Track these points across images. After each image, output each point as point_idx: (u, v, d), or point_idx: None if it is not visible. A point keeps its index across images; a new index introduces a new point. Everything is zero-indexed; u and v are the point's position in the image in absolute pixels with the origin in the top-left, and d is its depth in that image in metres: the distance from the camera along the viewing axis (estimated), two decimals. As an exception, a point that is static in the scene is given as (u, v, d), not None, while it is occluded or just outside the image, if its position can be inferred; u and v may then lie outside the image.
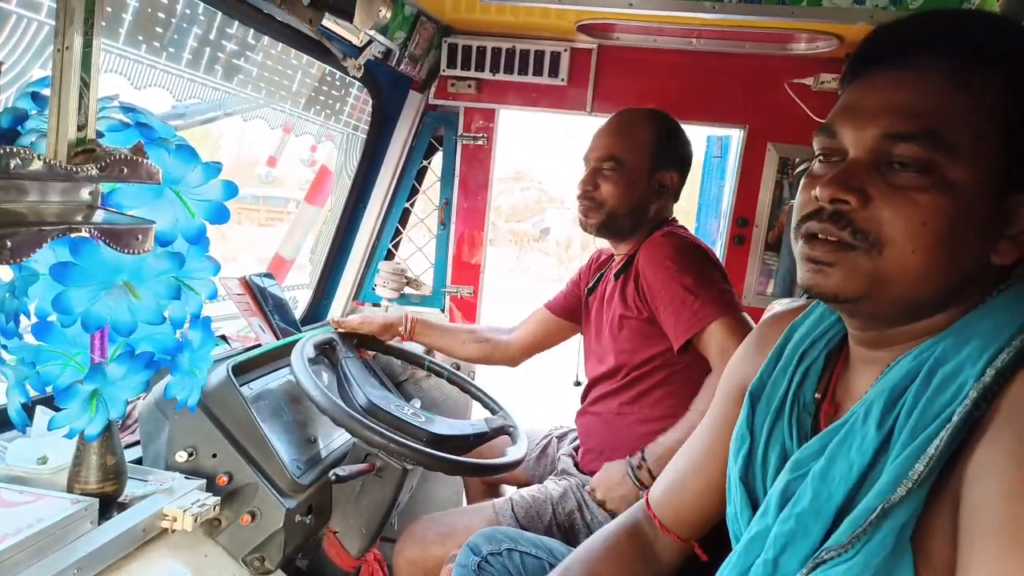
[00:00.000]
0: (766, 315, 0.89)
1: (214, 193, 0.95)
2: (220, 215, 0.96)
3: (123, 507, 1.02)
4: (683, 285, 1.33)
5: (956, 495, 0.54)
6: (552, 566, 0.93)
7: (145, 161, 0.82)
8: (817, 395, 0.73)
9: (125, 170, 0.80)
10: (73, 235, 0.78)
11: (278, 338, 1.61)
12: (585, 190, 1.47)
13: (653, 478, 1.22)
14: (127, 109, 0.93)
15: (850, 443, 0.62)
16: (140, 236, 0.82)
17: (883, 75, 0.61)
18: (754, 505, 0.74)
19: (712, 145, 2.45)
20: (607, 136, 1.49)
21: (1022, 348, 0.55)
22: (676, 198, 1.55)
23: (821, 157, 0.65)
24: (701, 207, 2.57)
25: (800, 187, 0.67)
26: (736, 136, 1.99)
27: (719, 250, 2.05)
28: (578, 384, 1.69)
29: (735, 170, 1.97)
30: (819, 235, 0.61)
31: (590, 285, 1.64)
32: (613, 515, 1.39)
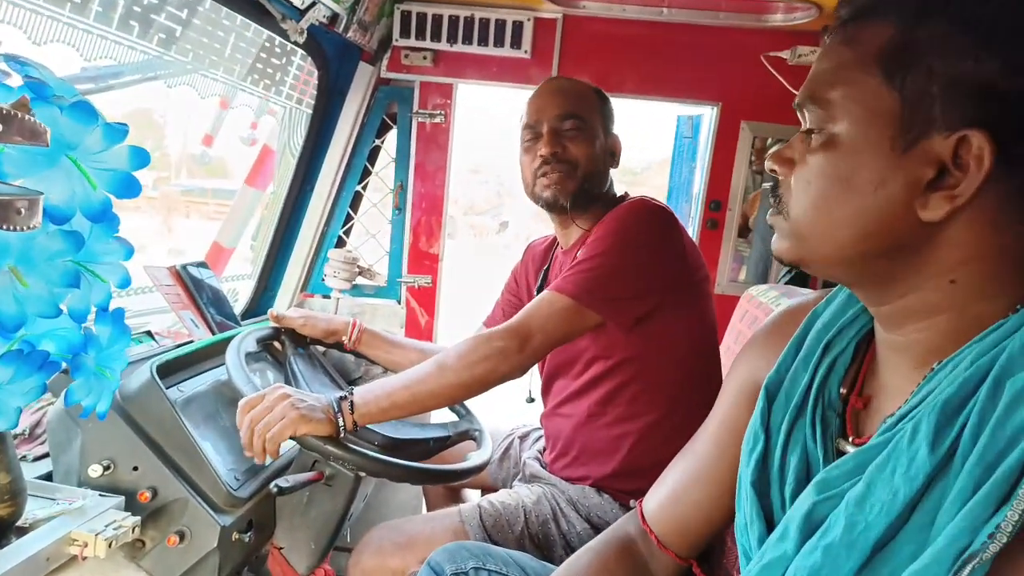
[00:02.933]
0: (779, 310, 0.79)
1: (119, 161, 0.79)
2: (128, 188, 0.81)
3: (23, 531, 0.88)
4: (597, 250, 1.22)
5: None
6: (526, 587, 0.81)
7: (28, 118, 0.67)
8: (843, 390, 0.64)
9: (1, 127, 0.64)
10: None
11: (214, 333, 1.45)
12: (553, 151, 1.30)
13: (353, 414, 1.10)
14: (11, 59, 0.77)
15: (894, 466, 0.51)
16: (23, 209, 0.67)
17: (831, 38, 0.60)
18: (767, 516, 0.64)
19: (683, 125, 2.36)
20: (556, 96, 1.34)
21: None
22: (616, 166, 1.43)
23: None
24: (671, 190, 2.49)
25: None
26: (708, 115, 1.90)
27: (692, 234, 1.97)
28: (531, 400, 1.57)
29: (707, 151, 1.88)
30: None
31: (537, 284, 1.51)
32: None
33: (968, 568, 0.44)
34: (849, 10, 0.57)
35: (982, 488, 0.45)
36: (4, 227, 0.66)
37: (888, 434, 0.53)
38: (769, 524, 0.63)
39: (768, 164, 0.63)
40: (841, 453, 0.61)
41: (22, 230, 0.68)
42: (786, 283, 1.71)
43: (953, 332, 0.54)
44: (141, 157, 0.81)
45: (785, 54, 1.69)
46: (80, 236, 0.77)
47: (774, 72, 1.67)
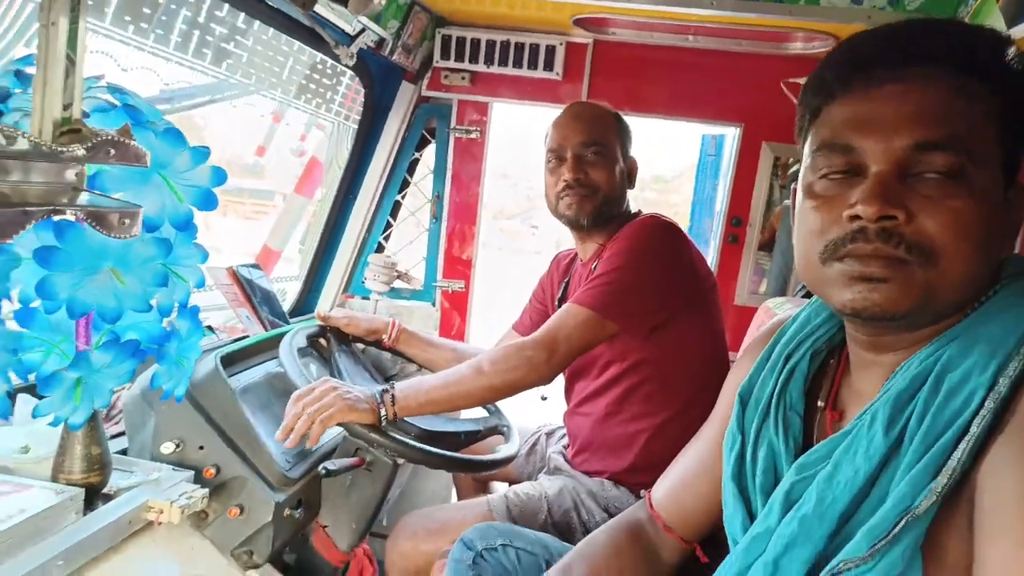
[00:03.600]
0: (766, 325, 0.88)
1: (202, 179, 0.93)
2: (208, 201, 0.94)
3: (108, 498, 1.00)
4: (614, 265, 1.31)
5: (971, 496, 0.54)
6: (548, 563, 0.92)
7: (132, 143, 0.80)
8: (820, 403, 0.73)
9: (112, 151, 0.77)
10: (57, 218, 0.76)
11: (266, 329, 1.58)
12: (576, 178, 1.41)
13: (394, 406, 1.21)
14: (114, 90, 0.90)
15: (856, 448, 0.61)
16: (127, 220, 0.80)
17: (895, 85, 0.60)
18: (746, 504, 0.74)
19: (707, 144, 2.44)
20: (579, 123, 1.44)
21: None
22: (633, 186, 1.53)
23: (828, 175, 0.64)
24: (695, 206, 2.57)
25: (810, 207, 0.65)
26: (731, 135, 1.99)
27: (712, 250, 2.05)
28: (544, 399, 1.66)
29: (730, 169, 1.96)
30: (871, 255, 0.59)
31: (559, 294, 1.61)
32: (527, 489, 1.38)
33: (903, 521, 0.54)
34: (946, 60, 0.59)
35: (922, 460, 0.55)
36: (112, 235, 0.78)
37: (853, 423, 0.63)
38: (749, 511, 0.73)
39: (877, 210, 0.58)
40: (805, 447, 0.70)
41: (124, 238, 0.80)
42: (802, 296, 1.78)
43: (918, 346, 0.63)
44: (220, 176, 0.94)
45: (803, 80, 1.76)
46: (169, 242, 0.90)
47: (793, 98, 1.76)
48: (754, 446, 0.74)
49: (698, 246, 1.47)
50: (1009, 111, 0.59)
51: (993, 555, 0.50)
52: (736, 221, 1.97)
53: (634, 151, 1.52)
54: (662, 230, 1.36)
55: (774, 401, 0.75)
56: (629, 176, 1.50)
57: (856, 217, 0.59)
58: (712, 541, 0.88)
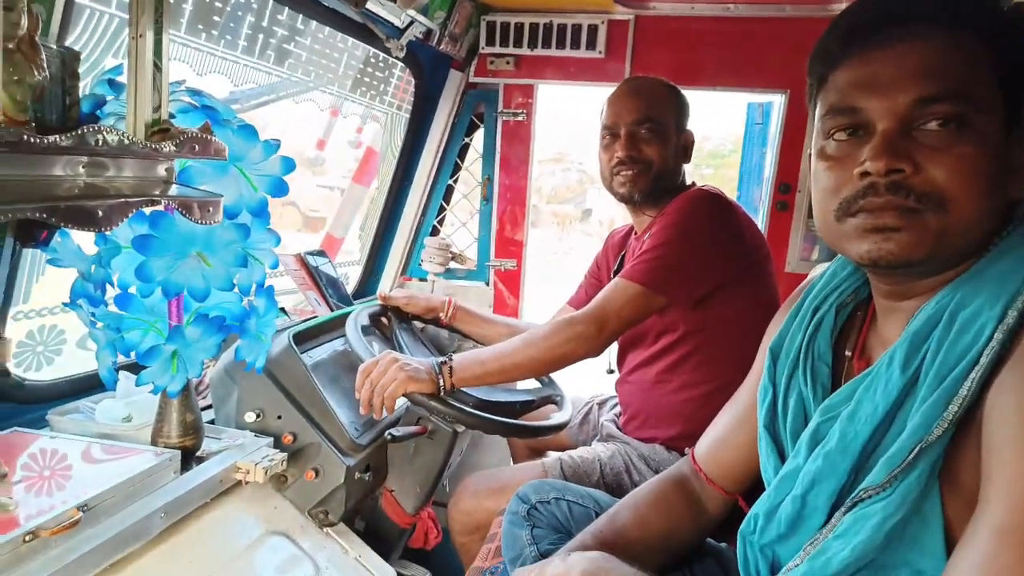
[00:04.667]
0: (802, 283, 0.92)
1: (274, 168, 1.02)
2: (280, 189, 1.03)
3: (201, 460, 1.11)
4: (660, 240, 1.34)
5: (979, 423, 0.57)
6: (598, 515, 0.98)
7: (213, 139, 0.89)
8: (848, 352, 0.77)
9: (197, 147, 0.87)
10: (150, 209, 0.86)
11: (332, 310, 1.69)
12: (629, 155, 1.44)
13: (451, 377, 1.26)
14: (194, 92, 1.00)
15: (875, 387, 0.65)
16: (211, 208, 0.89)
17: (890, 46, 0.63)
18: (779, 451, 0.78)
19: (753, 112, 2.42)
20: (633, 99, 1.46)
21: None
22: (688, 160, 1.54)
23: (837, 135, 0.67)
24: (743, 176, 2.55)
25: (823, 168, 0.68)
26: (777, 102, 1.97)
27: (761, 217, 2.05)
28: (611, 372, 1.70)
29: (777, 136, 1.95)
30: (883, 207, 0.63)
31: (615, 267, 1.65)
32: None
33: (917, 448, 0.58)
34: (939, 16, 0.63)
35: (935, 393, 0.58)
36: (198, 222, 0.88)
37: (874, 365, 0.67)
38: (781, 456, 0.78)
39: (885, 164, 0.61)
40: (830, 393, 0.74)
41: (209, 224, 0.90)
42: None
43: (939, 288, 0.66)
44: (289, 165, 1.03)
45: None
46: (247, 228, 1.00)
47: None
48: (785, 395, 0.79)
49: (749, 214, 1.49)
50: (1005, 58, 0.62)
51: (996, 466, 0.54)
52: (784, 188, 1.96)
53: (689, 126, 1.53)
54: (708, 201, 1.38)
55: (803, 352, 0.79)
56: (684, 150, 1.51)
57: (866, 174, 0.63)
58: (754, 492, 0.93)
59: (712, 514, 0.94)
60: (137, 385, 0.99)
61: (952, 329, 0.61)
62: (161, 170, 0.87)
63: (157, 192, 0.85)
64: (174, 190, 0.88)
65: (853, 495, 0.63)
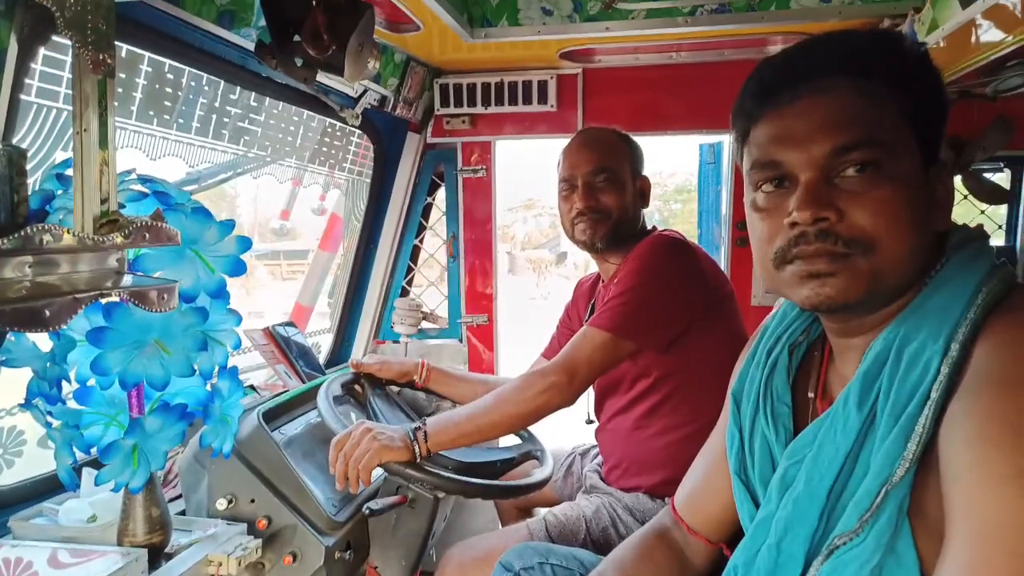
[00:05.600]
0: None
1: (230, 248, 1.01)
2: (237, 268, 1.02)
3: (170, 556, 1.07)
4: (626, 286, 1.35)
5: (937, 455, 0.58)
6: None
7: (164, 225, 0.88)
8: (811, 393, 0.77)
9: (147, 235, 0.86)
10: (105, 300, 0.85)
11: (304, 383, 1.66)
12: (587, 205, 1.46)
13: (427, 442, 1.25)
14: (144, 180, 1.00)
15: (835, 428, 0.66)
16: (166, 295, 0.88)
17: (801, 101, 0.66)
18: (752, 497, 0.78)
19: (705, 153, 2.49)
20: (588, 151, 1.49)
21: (975, 319, 0.59)
22: (647, 205, 1.57)
23: (765, 187, 0.70)
24: (701, 213, 2.61)
25: (757, 219, 0.71)
26: (727, 141, 2.04)
27: (723, 254, 2.09)
28: (590, 422, 1.69)
29: (730, 174, 2.01)
30: (815, 254, 0.65)
31: (587, 317, 1.64)
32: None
33: (884, 491, 0.58)
34: (847, 68, 0.66)
35: (892, 431, 0.59)
36: (153, 310, 0.86)
37: (833, 406, 0.67)
38: (754, 502, 0.77)
39: (811, 214, 0.63)
40: (795, 433, 0.74)
41: (164, 311, 0.88)
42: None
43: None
44: (245, 243, 1.02)
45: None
46: (205, 310, 0.98)
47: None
48: (750, 439, 0.79)
49: (709, 252, 1.51)
50: (912, 99, 0.65)
51: (955, 500, 0.54)
52: (742, 225, 2.00)
53: (652, 165, 1.56)
54: (668, 246, 1.40)
55: (762, 395, 0.79)
56: (642, 195, 1.54)
57: (795, 223, 0.65)
58: (736, 539, 0.91)
59: (697, 565, 0.93)
60: (96, 484, 0.95)
61: (900, 366, 0.62)
62: (112, 261, 0.85)
63: (109, 284, 0.84)
64: (127, 280, 0.86)
65: (828, 543, 0.63)
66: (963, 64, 1.57)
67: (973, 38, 1.42)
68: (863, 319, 0.69)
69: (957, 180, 1.96)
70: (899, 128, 0.64)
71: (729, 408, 0.85)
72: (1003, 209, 2.10)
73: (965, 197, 2.02)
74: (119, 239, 0.82)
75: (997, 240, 2.07)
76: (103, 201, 0.84)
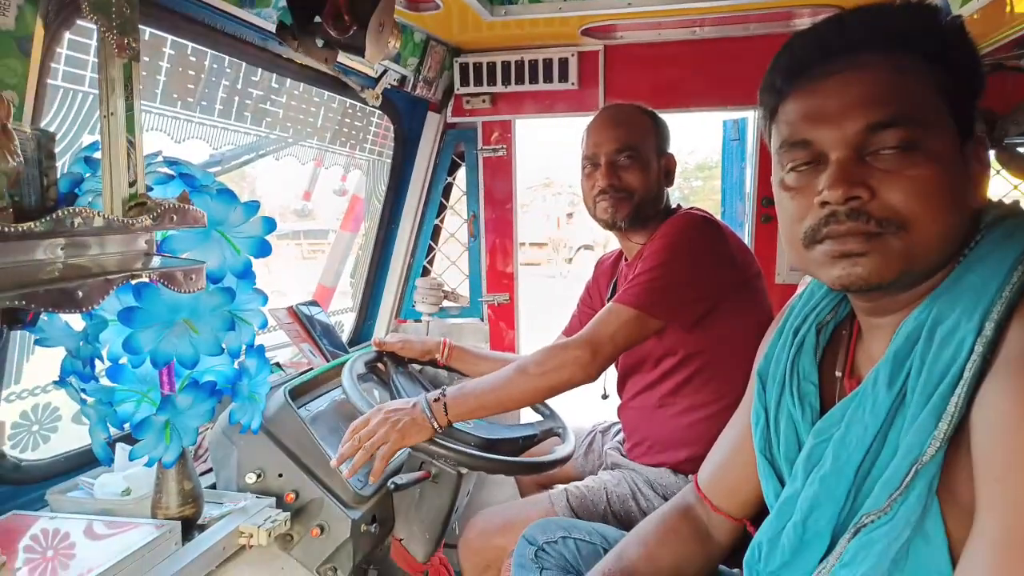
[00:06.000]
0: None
1: (255, 229, 1.02)
2: (263, 249, 1.04)
3: (203, 528, 1.10)
4: (653, 263, 1.34)
5: (969, 436, 0.57)
6: (606, 550, 0.97)
7: (191, 207, 0.90)
8: (838, 372, 0.77)
9: (175, 217, 0.87)
10: (135, 281, 0.87)
11: (328, 361, 1.69)
12: (610, 183, 1.45)
13: (447, 414, 1.25)
14: (170, 162, 1.01)
15: (864, 407, 0.66)
16: (194, 276, 0.90)
17: (833, 77, 0.65)
18: (778, 475, 0.78)
19: (728, 129, 2.45)
20: (612, 128, 1.48)
21: (1011, 298, 0.58)
22: (671, 184, 1.55)
23: (794, 167, 0.68)
24: (725, 191, 2.57)
25: (787, 198, 0.69)
26: (752, 117, 2.00)
27: (747, 231, 2.06)
28: (605, 397, 1.70)
29: (755, 150, 1.98)
30: (846, 233, 0.64)
31: (608, 295, 1.64)
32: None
33: (913, 470, 0.58)
34: (885, 42, 0.65)
35: (924, 410, 0.58)
36: (182, 291, 0.88)
37: (862, 385, 0.67)
38: (780, 480, 0.77)
39: (843, 193, 0.62)
40: (822, 413, 0.74)
41: (192, 291, 0.90)
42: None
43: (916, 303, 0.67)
44: (270, 224, 1.04)
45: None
46: (232, 291, 1.00)
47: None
48: (776, 419, 0.79)
49: (733, 229, 1.50)
50: (949, 73, 0.63)
51: (987, 480, 0.53)
52: (767, 201, 1.97)
53: (673, 143, 1.54)
54: (697, 225, 1.39)
55: (788, 374, 0.79)
56: (667, 174, 1.52)
57: (826, 203, 0.64)
58: (760, 516, 0.91)
59: (721, 541, 0.93)
60: (130, 460, 0.98)
61: (933, 344, 0.61)
62: (141, 243, 0.87)
63: (138, 266, 0.86)
64: (155, 262, 0.89)
65: (855, 521, 0.63)
66: (997, 36, 1.52)
67: (1008, 8, 1.37)
68: (895, 298, 0.68)
69: (991, 155, 1.91)
70: (935, 104, 0.63)
71: (755, 387, 0.85)
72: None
73: (998, 172, 1.97)
74: (148, 221, 0.84)
75: (1030, 216, 2.02)
76: (131, 184, 0.86)
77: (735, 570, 1.00)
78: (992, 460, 0.53)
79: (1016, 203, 0.69)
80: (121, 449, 1.18)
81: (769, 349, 0.85)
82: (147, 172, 0.96)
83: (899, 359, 0.64)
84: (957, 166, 0.63)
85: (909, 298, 0.67)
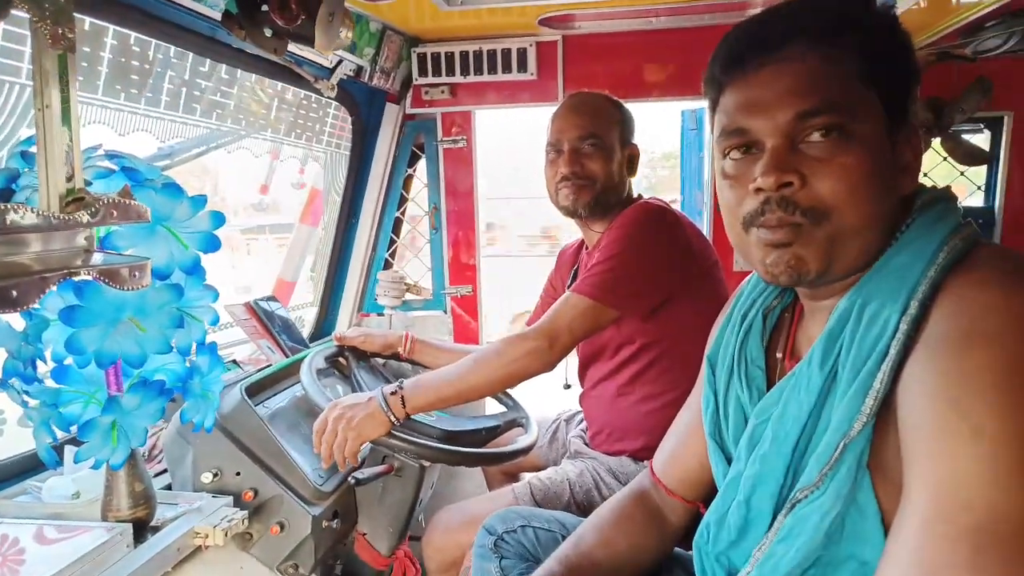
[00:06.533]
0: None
1: (203, 224, 1.00)
2: (211, 244, 1.02)
3: (156, 530, 1.08)
4: (609, 253, 1.35)
5: (895, 412, 0.59)
6: (564, 537, 0.98)
7: (133, 202, 0.87)
8: (779, 354, 0.78)
9: (115, 213, 0.85)
10: (76, 279, 0.84)
11: (287, 357, 1.67)
12: (573, 171, 1.45)
13: (404, 406, 1.26)
14: (112, 156, 0.98)
15: (800, 386, 0.68)
16: (137, 273, 0.87)
17: (766, 68, 0.67)
18: (726, 456, 0.80)
19: (687, 119, 2.48)
20: (577, 116, 1.48)
21: (935, 277, 0.60)
22: (635, 174, 1.56)
23: (732, 154, 0.70)
24: (684, 181, 2.60)
25: (726, 186, 0.71)
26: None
27: (705, 220, 2.08)
28: (568, 387, 1.71)
29: (712, 140, 1.99)
30: (776, 224, 0.66)
31: (570, 283, 1.65)
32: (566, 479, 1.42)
33: (842, 445, 0.61)
34: (814, 33, 0.66)
35: (852, 387, 0.60)
36: (125, 288, 0.86)
37: (799, 365, 0.68)
38: (728, 461, 0.79)
39: (775, 179, 0.64)
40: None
41: (136, 289, 0.88)
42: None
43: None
44: (218, 219, 1.02)
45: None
46: (180, 287, 0.98)
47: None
48: (725, 402, 0.80)
49: (692, 217, 1.51)
50: (877, 62, 0.65)
51: (913, 455, 0.55)
52: (724, 191, 1.99)
53: (640, 133, 1.54)
54: (653, 214, 1.40)
55: (735, 359, 0.81)
56: (630, 163, 1.53)
57: (760, 189, 0.65)
58: (713, 498, 0.93)
59: (676, 524, 0.95)
60: (75, 462, 0.95)
61: (861, 324, 0.63)
62: (80, 240, 0.85)
63: (78, 262, 0.83)
64: (97, 259, 0.86)
65: (791, 496, 0.65)
66: (943, 25, 1.56)
67: (952, -1, 1.41)
68: (831, 284, 0.70)
69: (936, 142, 1.96)
70: (863, 92, 0.65)
71: (705, 372, 0.87)
72: (983, 171, 2.11)
73: (945, 159, 2.02)
74: (86, 217, 0.81)
75: (976, 201, 2.08)
76: (68, 179, 0.83)
77: (691, 552, 1.01)
78: (917, 435, 0.55)
79: (947, 188, 0.71)
80: (70, 452, 1.15)
81: (718, 335, 0.87)
82: (86, 166, 0.94)
83: (832, 339, 0.66)
84: (886, 152, 0.65)
85: (846, 282, 0.69)
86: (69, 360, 0.96)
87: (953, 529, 0.50)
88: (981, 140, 2.04)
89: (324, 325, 2.20)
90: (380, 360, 1.78)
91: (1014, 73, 1.86)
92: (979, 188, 2.10)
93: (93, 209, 0.82)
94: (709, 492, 0.94)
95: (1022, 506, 0.49)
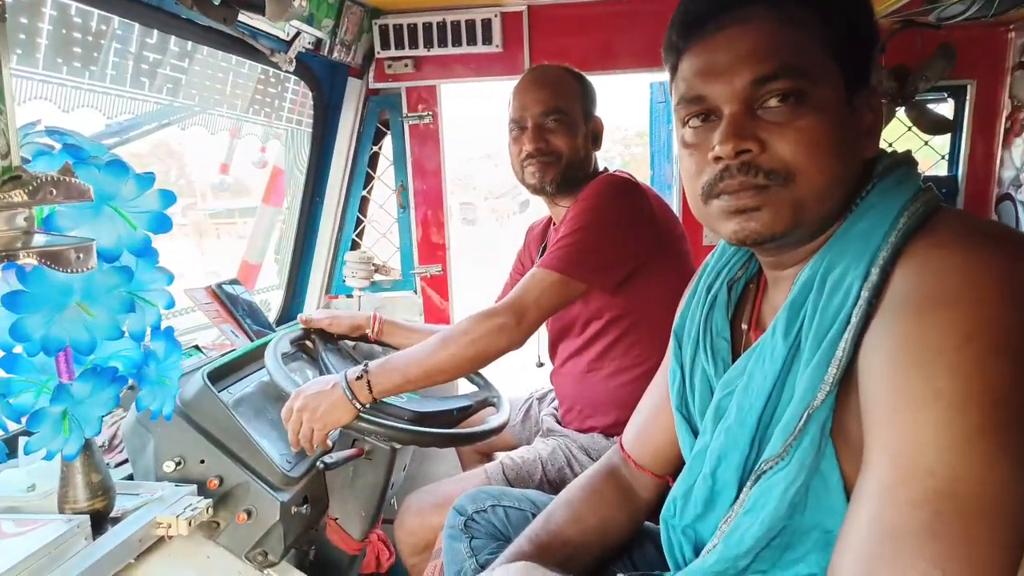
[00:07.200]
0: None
1: (152, 204, 0.96)
2: (162, 224, 0.97)
3: (116, 521, 1.04)
4: (574, 226, 1.33)
5: (857, 380, 0.59)
6: (535, 515, 0.97)
7: (74, 180, 0.83)
8: (744, 325, 0.77)
9: (54, 191, 0.80)
10: (18, 262, 0.80)
11: (252, 341, 1.63)
12: (537, 147, 1.42)
13: (371, 391, 1.23)
14: (52, 132, 0.93)
15: (763, 357, 0.67)
16: (82, 255, 0.83)
17: (723, 32, 0.65)
18: (692, 429, 0.79)
19: (655, 91, 2.45)
20: (538, 91, 1.45)
21: (897, 243, 0.59)
22: (599, 147, 1.54)
23: (692, 122, 0.68)
24: (653, 154, 2.59)
25: (686, 155, 0.70)
26: (678, 79, 1.99)
27: (675, 194, 2.07)
28: (540, 365, 1.69)
29: (681, 113, 1.97)
30: (739, 188, 0.64)
31: (537, 259, 1.63)
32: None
33: (806, 414, 0.60)
34: None
35: (815, 356, 0.59)
36: (69, 271, 0.82)
37: (763, 336, 0.67)
38: (695, 435, 0.78)
39: (733, 146, 0.63)
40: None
41: (81, 271, 0.83)
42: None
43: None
44: (168, 198, 0.97)
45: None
46: (129, 270, 0.94)
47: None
48: (691, 375, 0.80)
49: (662, 192, 1.50)
50: (835, 25, 0.64)
51: (873, 423, 0.55)
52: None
53: (610, 110, 1.52)
54: (617, 187, 1.39)
55: (701, 331, 0.80)
56: (595, 138, 1.50)
57: (719, 158, 0.64)
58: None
59: (646, 499, 0.95)
60: (25, 453, 0.91)
61: (824, 292, 0.62)
62: (19, 221, 0.80)
63: (18, 245, 0.79)
64: (38, 240, 0.81)
65: (756, 468, 0.64)
66: (908, -8, 1.55)
67: (917, -36, 1.40)
68: (794, 251, 0.69)
69: (901, 111, 1.97)
70: (822, 56, 0.63)
71: (671, 346, 0.86)
72: (947, 141, 2.13)
73: (909, 129, 2.04)
74: (23, 196, 0.77)
75: (940, 170, 2.10)
76: (3, 156, 0.78)
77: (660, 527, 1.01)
78: (878, 402, 0.55)
79: (907, 152, 0.70)
80: (24, 443, 1.10)
81: (684, 308, 0.86)
82: (25, 143, 0.89)
83: (795, 308, 0.65)
84: (845, 116, 0.64)
85: (809, 250, 0.68)
86: (19, 348, 0.91)
87: (914, 494, 0.50)
88: (945, 109, 2.06)
89: (291, 308, 2.16)
90: (351, 343, 1.75)
91: (977, 41, 1.87)
92: (942, 158, 2.12)
93: (30, 187, 0.77)
94: (678, 466, 0.94)
95: (983, 470, 0.48)
